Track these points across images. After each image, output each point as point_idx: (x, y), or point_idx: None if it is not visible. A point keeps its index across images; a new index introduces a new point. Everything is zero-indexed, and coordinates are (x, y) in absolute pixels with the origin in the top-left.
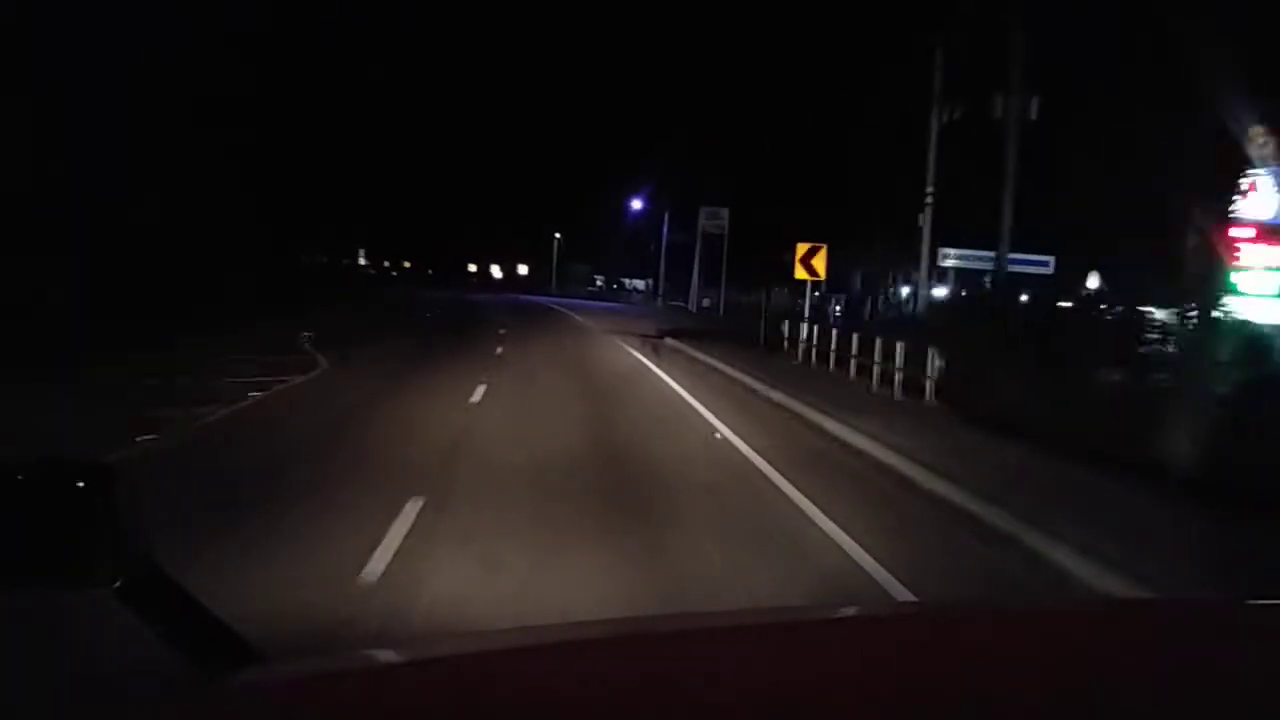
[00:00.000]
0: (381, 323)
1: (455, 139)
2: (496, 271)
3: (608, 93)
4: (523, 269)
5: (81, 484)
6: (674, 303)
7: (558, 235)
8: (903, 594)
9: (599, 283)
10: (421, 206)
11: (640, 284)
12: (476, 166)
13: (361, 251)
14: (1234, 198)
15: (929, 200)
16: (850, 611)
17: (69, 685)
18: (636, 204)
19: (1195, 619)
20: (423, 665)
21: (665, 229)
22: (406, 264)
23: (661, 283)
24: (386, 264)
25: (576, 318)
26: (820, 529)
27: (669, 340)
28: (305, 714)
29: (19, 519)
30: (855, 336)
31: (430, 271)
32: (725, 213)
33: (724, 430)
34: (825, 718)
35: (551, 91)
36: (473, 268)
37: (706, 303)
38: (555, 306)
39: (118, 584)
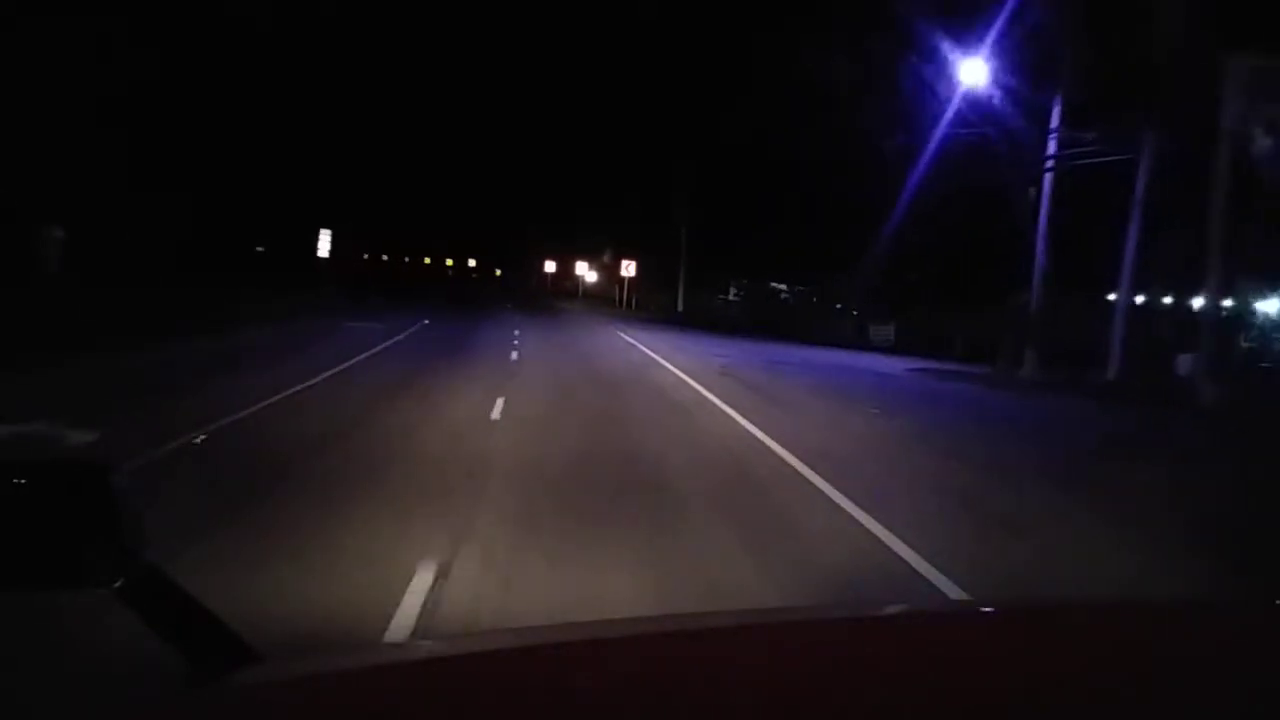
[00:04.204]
0: None
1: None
2: (588, 272)
3: None
4: (628, 268)
5: (81, 484)
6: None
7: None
8: None
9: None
10: (489, 192)
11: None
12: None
13: (326, 235)
14: None
15: None
16: (852, 612)
17: (69, 685)
18: (969, 74)
19: (1195, 619)
20: (422, 665)
21: (1053, 137)
22: (472, 262)
23: (1036, 290)
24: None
25: None
26: None
27: None
28: (305, 714)
29: (19, 519)
30: None
31: (499, 272)
32: None
33: None
34: (826, 718)
35: None
36: (551, 266)
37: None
38: None
39: (118, 584)
